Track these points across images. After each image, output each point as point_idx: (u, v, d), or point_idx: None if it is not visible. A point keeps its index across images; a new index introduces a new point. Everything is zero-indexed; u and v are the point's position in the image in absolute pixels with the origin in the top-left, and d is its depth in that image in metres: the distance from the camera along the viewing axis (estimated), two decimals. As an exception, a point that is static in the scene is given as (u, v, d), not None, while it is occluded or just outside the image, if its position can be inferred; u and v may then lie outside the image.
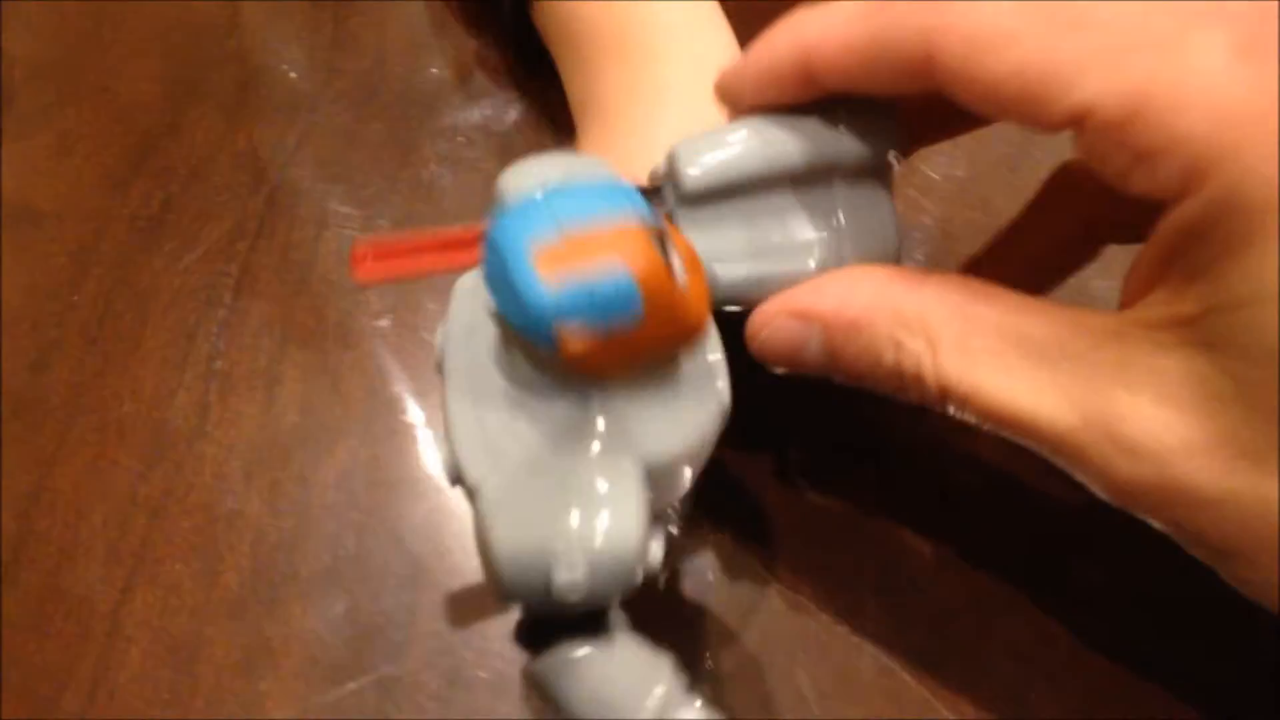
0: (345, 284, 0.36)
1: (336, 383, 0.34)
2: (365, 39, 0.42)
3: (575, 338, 0.22)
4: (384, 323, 0.35)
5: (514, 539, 0.22)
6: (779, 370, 0.26)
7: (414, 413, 0.34)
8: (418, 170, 0.38)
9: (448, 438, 0.24)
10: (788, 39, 0.25)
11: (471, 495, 0.23)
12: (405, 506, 0.32)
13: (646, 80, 0.32)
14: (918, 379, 0.24)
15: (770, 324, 0.25)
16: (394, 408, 0.34)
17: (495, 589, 0.23)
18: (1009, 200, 0.31)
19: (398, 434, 0.33)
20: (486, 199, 0.25)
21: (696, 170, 0.25)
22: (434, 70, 0.41)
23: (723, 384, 0.25)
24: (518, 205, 0.23)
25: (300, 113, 0.40)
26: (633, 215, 0.22)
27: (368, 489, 0.32)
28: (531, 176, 0.24)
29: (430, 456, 0.33)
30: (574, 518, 0.22)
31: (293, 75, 0.41)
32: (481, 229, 0.24)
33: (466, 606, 0.30)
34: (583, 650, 0.23)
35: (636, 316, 0.22)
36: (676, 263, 0.22)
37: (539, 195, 0.23)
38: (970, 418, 0.24)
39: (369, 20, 0.42)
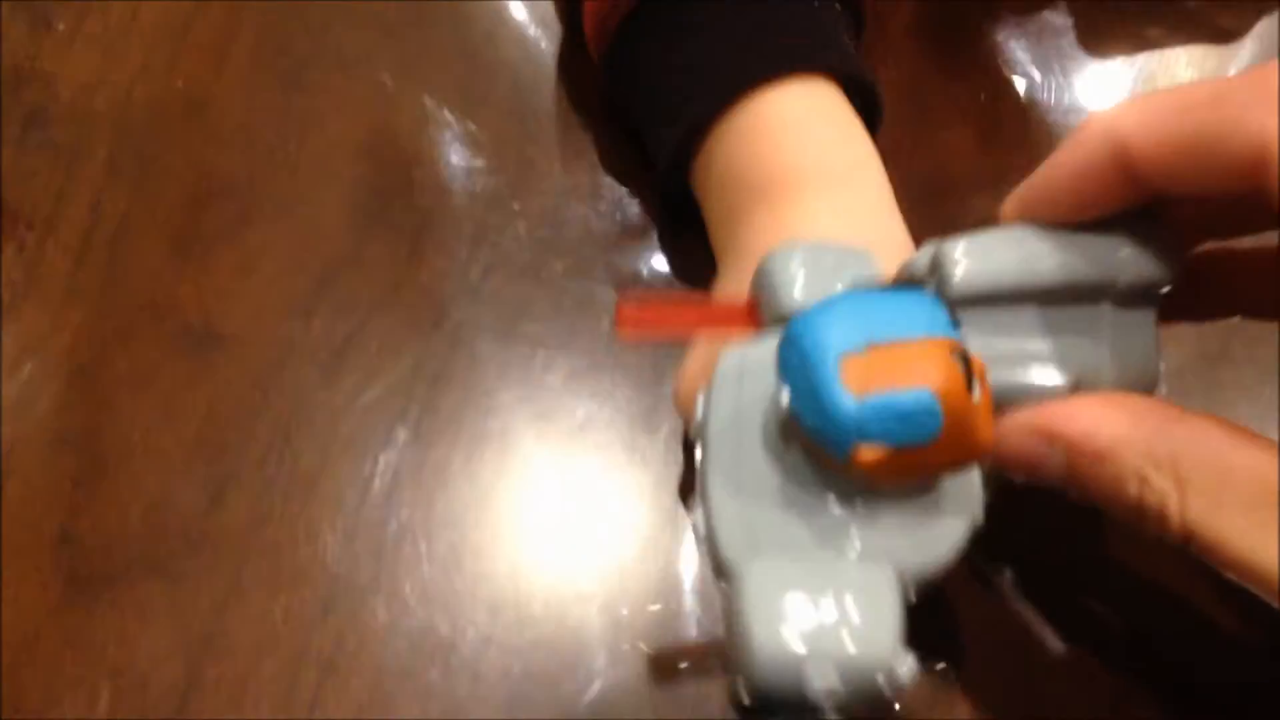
0: (526, 430, 0.36)
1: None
2: (548, 175, 0.41)
3: (871, 453, 0.22)
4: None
5: (774, 629, 0.22)
6: (1016, 479, 0.26)
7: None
8: (598, 319, 0.38)
9: (707, 518, 0.24)
10: (1101, 134, 0.24)
11: (729, 579, 0.24)
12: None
13: (790, 225, 0.31)
14: (1160, 518, 0.24)
15: (1014, 436, 0.25)
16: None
17: (741, 675, 0.23)
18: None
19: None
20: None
21: (963, 272, 0.24)
22: (613, 215, 0.40)
23: (978, 498, 0.25)
24: (826, 306, 0.23)
25: (483, 248, 0.39)
26: (938, 330, 0.23)
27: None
28: (809, 263, 0.25)
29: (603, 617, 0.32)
30: (833, 621, 0.22)
31: (477, 207, 0.40)
32: (750, 300, 0.25)
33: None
34: None
35: (934, 436, 0.22)
36: (975, 384, 0.22)
37: (842, 295, 0.24)
38: (1211, 563, 0.24)
39: (550, 155, 0.42)
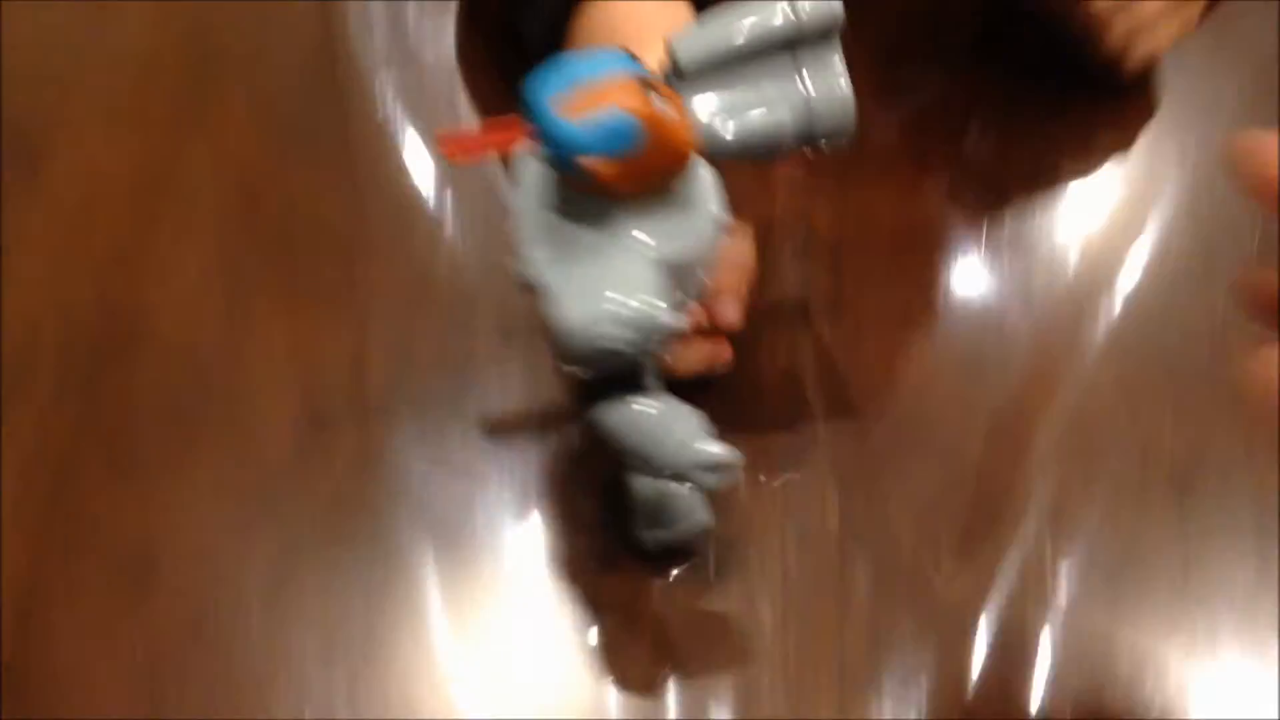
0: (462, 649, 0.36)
1: None
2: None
3: (598, 165, 0.31)
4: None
5: (575, 310, 0.31)
6: None
7: None
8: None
9: (518, 252, 0.33)
10: None
11: (537, 290, 0.32)
12: None
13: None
14: None
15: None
16: None
17: (563, 353, 0.32)
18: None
19: None
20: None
21: (684, 53, 0.33)
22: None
23: (715, 203, 0.33)
24: (540, 68, 0.31)
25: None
26: (625, 71, 0.31)
27: None
28: (606, 59, 0.32)
29: None
30: (616, 292, 0.31)
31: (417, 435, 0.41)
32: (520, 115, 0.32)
33: None
34: (630, 398, 0.34)
35: (639, 144, 0.31)
36: (660, 102, 0.31)
37: (553, 59, 0.31)
38: None
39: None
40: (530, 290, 0.33)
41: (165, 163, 0.48)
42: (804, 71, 0.35)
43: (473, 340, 0.43)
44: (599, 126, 0.30)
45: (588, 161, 0.31)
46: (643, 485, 0.37)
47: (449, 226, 0.47)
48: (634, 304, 0.32)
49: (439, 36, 0.52)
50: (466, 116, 0.49)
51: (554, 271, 0.33)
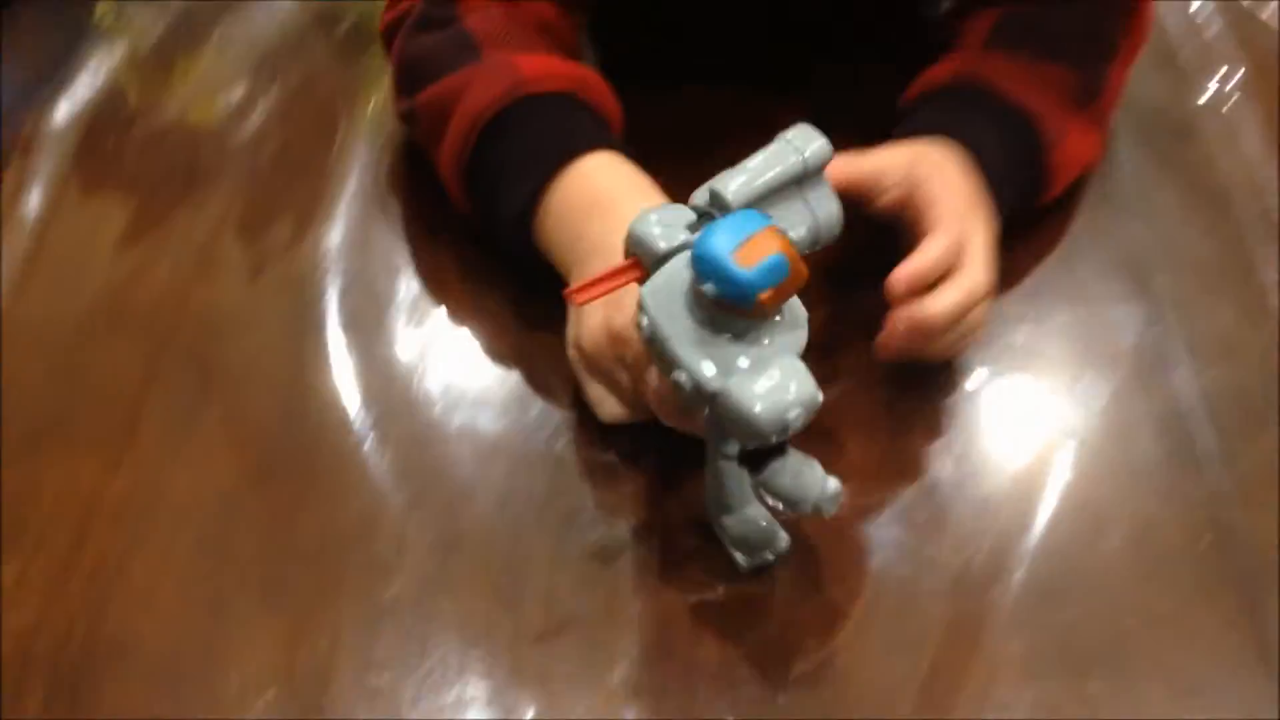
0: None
1: None
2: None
3: (767, 295, 0.42)
4: None
5: (766, 400, 0.42)
6: None
7: None
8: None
9: (690, 372, 0.43)
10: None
11: (714, 396, 0.43)
12: None
13: (614, 219, 0.50)
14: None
15: None
16: None
17: (752, 435, 0.43)
18: None
19: None
20: None
21: (732, 195, 0.45)
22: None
23: (804, 315, 0.45)
24: (706, 231, 0.43)
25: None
26: (764, 224, 0.43)
27: None
28: (671, 215, 0.46)
29: None
30: (788, 390, 0.42)
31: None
32: (632, 259, 0.47)
33: None
34: (784, 458, 0.46)
35: (789, 276, 0.42)
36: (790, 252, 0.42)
37: (709, 224, 0.43)
38: None
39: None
40: (702, 398, 0.43)
41: (149, 487, 0.52)
42: (808, 197, 0.47)
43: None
44: (768, 269, 0.41)
45: (763, 296, 0.42)
46: (732, 524, 0.48)
47: (411, 548, 0.50)
48: (804, 396, 0.43)
49: (406, 352, 0.58)
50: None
51: (725, 377, 0.43)
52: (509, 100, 0.57)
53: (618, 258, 0.48)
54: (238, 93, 0.72)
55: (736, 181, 0.45)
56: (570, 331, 0.53)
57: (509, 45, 0.60)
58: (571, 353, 0.53)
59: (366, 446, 0.54)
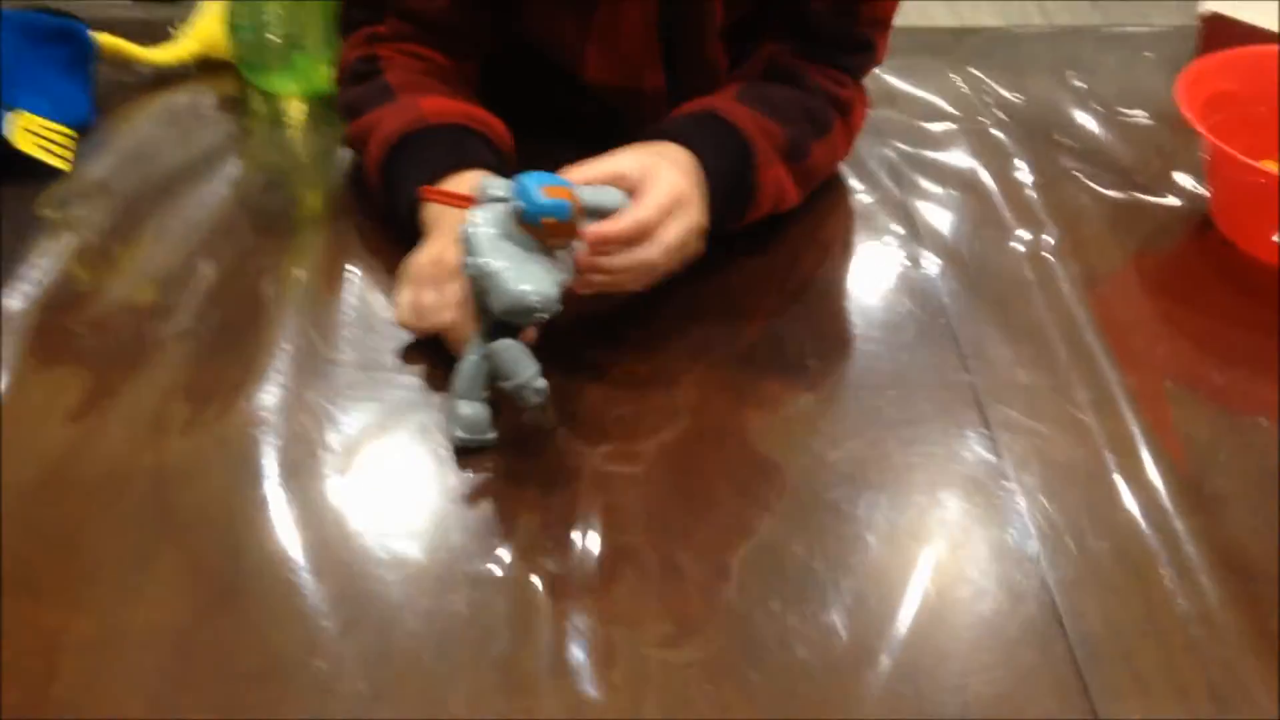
0: None
1: None
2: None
3: (549, 222, 0.64)
4: None
5: (518, 287, 0.63)
6: None
7: None
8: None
9: (477, 255, 0.64)
10: None
11: (489, 275, 0.64)
12: None
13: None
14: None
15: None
16: None
17: (503, 310, 0.64)
18: None
19: None
20: None
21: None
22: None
23: (571, 263, 0.67)
24: (528, 177, 0.65)
25: None
26: (568, 186, 0.66)
27: None
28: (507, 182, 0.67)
29: None
30: (537, 282, 0.64)
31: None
32: (472, 195, 0.68)
33: None
34: (515, 341, 0.66)
35: (568, 218, 0.65)
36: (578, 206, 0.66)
37: (528, 174, 0.65)
38: None
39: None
40: (482, 277, 0.64)
41: (111, 625, 0.58)
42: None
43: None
44: (555, 206, 0.64)
45: (547, 220, 0.64)
46: (465, 407, 0.67)
47: (347, 666, 0.57)
48: (550, 290, 0.64)
49: (338, 495, 0.65)
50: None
51: (501, 267, 0.64)
52: (411, 129, 0.79)
53: None
54: (177, 274, 0.80)
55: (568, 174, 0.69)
56: (409, 258, 0.74)
57: (417, 91, 0.82)
58: (402, 270, 0.74)
59: (305, 578, 0.61)
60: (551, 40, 0.87)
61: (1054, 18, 2.54)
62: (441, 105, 0.81)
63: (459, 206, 0.69)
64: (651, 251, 0.71)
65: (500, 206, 0.66)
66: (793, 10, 0.85)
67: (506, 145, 0.83)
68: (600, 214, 0.68)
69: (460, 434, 0.67)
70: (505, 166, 0.78)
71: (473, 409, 0.67)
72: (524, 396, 0.65)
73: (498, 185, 0.67)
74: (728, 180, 0.78)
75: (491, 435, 0.67)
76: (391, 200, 0.80)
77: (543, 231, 0.64)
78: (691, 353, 0.76)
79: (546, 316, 0.64)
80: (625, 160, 0.73)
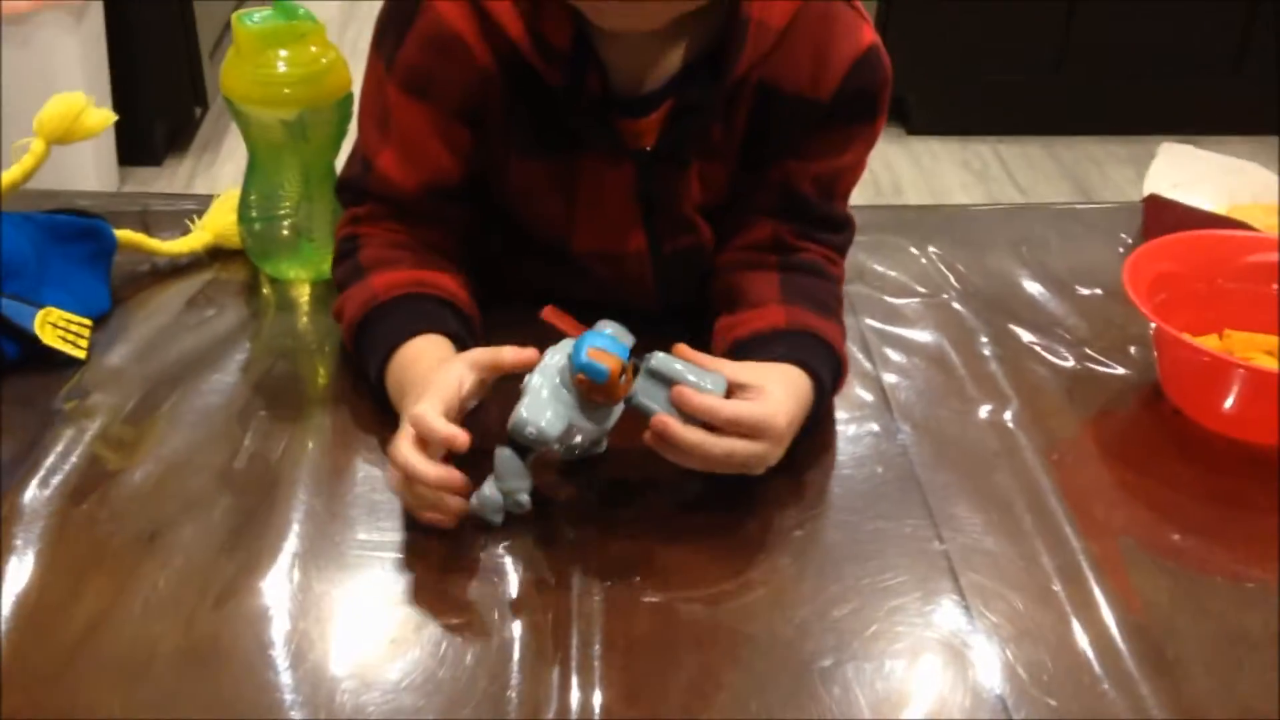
0: None
1: None
2: None
3: (582, 379, 0.73)
4: None
5: (522, 409, 0.74)
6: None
7: None
8: None
9: (534, 370, 0.76)
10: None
11: (521, 388, 0.75)
12: None
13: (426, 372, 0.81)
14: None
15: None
16: None
17: (514, 429, 0.74)
18: None
19: None
20: None
21: (657, 364, 0.78)
22: None
23: (614, 418, 0.77)
24: (593, 333, 0.74)
25: None
26: (619, 354, 0.73)
27: None
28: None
29: None
30: (540, 417, 0.73)
31: None
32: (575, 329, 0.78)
33: None
34: (515, 453, 0.75)
35: (605, 382, 0.72)
36: (625, 376, 0.74)
37: (603, 334, 0.74)
38: None
39: None
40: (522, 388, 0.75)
41: None
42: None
43: None
44: (594, 366, 0.71)
45: (579, 375, 0.72)
46: (488, 489, 0.76)
47: None
48: (550, 430, 0.73)
49: (342, 666, 0.68)
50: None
51: (532, 389, 0.74)
52: (366, 309, 0.87)
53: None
54: (191, 459, 0.85)
55: (662, 361, 0.77)
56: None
57: (380, 267, 0.89)
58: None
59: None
60: (538, 217, 0.94)
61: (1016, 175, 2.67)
62: (391, 279, 0.87)
63: (569, 333, 0.76)
64: (715, 449, 0.76)
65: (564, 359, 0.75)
66: (785, 192, 0.92)
67: (463, 301, 0.89)
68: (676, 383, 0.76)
69: (491, 517, 0.76)
70: (467, 322, 0.88)
71: (495, 498, 0.76)
72: (507, 502, 0.75)
73: (606, 329, 0.75)
74: (829, 396, 0.88)
75: (497, 519, 0.77)
76: (365, 373, 0.88)
77: (580, 384, 0.72)
78: (675, 517, 0.81)
79: (549, 449, 0.74)
80: (746, 369, 0.80)
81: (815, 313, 0.89)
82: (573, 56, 0.84)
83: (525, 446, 0.73)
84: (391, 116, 0.88)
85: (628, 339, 0.75)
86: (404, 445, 0.74)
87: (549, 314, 0.77)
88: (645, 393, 0.76)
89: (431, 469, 0.73)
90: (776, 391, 0.79)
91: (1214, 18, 2.69)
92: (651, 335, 0.79)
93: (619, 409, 0.76)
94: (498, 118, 0.89)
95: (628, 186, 0.90)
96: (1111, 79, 2.75)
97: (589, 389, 0.72)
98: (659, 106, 0.87)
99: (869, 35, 0.88)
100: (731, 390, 0.78)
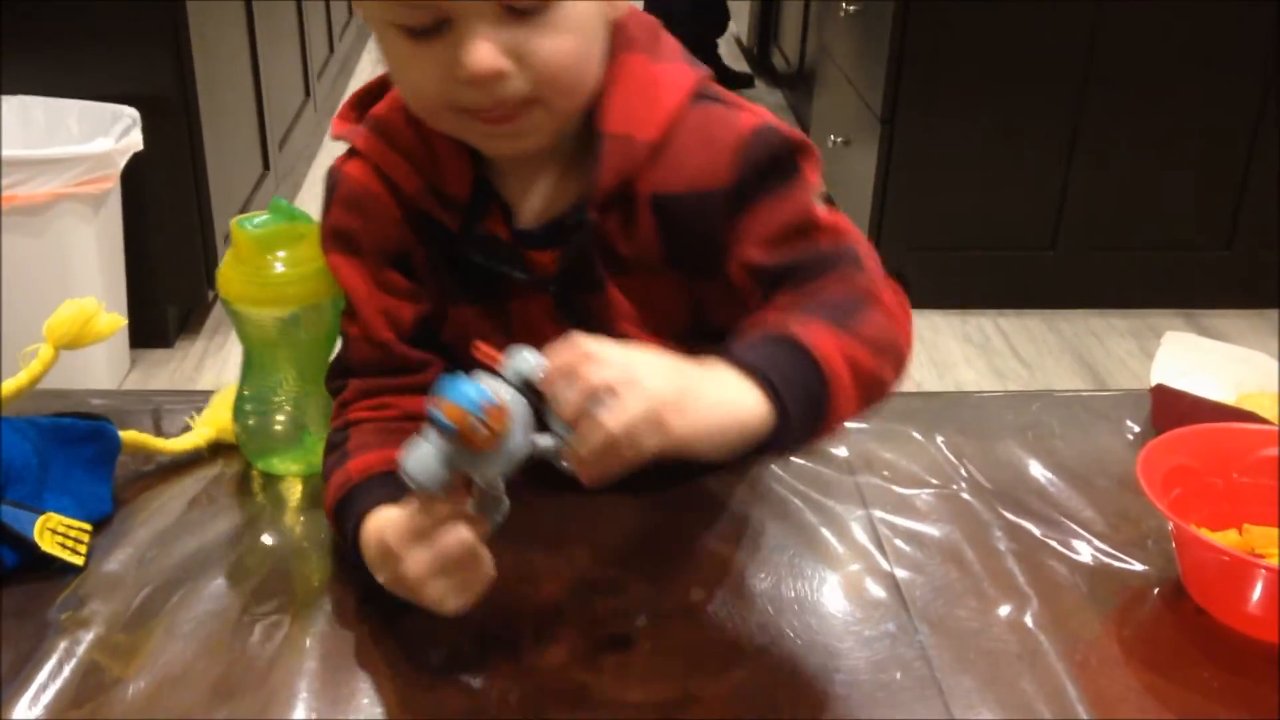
0: None
1: None
2: None
3: (439, 431, 0.73)
4: None
5: (405, 455, 0.76)
6: None
7: None
8: None
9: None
10: None
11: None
12: None
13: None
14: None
15: None
16: None
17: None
18: None
19: None
20: None
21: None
22: None
23: (511, 460, 0.75)
24: (455, 384, 0.72)
25: None
26: (463, 408, 0.71)
27: None
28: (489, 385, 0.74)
29: None
30: (422, 464, 0.75)
31: None
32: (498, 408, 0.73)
33: None
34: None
35: (453, 432, 0.71)
36: (476, 424, 0.71)
37: (465, 385, 0.72)
38: None
39: None
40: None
41: None
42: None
43: None
44: (442, 422, 0.71)
45: (436, 433, 0.73)
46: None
47: None
48: (423, 479, 0.75)
49: None
50: None
51: (422, 439, 0.75)
52: (342, 493, 0.88)
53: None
54: (185, 672, 0.82)
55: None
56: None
57: (363, 449, 0.90)
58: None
59: None
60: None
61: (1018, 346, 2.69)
62: (366, 461, 0.88)
63: (493, 366, 0.74)
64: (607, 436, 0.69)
65: None
66: (755, 273, 0.87)
67: None
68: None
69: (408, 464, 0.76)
70: None
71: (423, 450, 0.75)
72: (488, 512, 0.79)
73: (515, 357, 0.73)
74: (792, 372, 0.77)
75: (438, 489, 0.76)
76: (346, 549, 0.88)
77: (444, 435, 0.72)
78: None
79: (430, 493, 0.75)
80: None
81: (810, 318, 0.81)
82: (471, 201, 0.89)
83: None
84: (339, 282, 0.93)
85: (530, 368, 0.72)
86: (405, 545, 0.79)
87: (477, 350, 0.74)
88: (527, 422, 0.73)
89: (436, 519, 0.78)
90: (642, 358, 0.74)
91: (1205, 194, 2.75)
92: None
93: (514, 443, 0.73)
94: (425, 268, 0.93)
95: (551, 315, 0.92)
96: (1104, 254, 2.79)
97: (455, 439, 0.71)
98: (556, 234, 0.90)
99: (749, 119, 0.87)
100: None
